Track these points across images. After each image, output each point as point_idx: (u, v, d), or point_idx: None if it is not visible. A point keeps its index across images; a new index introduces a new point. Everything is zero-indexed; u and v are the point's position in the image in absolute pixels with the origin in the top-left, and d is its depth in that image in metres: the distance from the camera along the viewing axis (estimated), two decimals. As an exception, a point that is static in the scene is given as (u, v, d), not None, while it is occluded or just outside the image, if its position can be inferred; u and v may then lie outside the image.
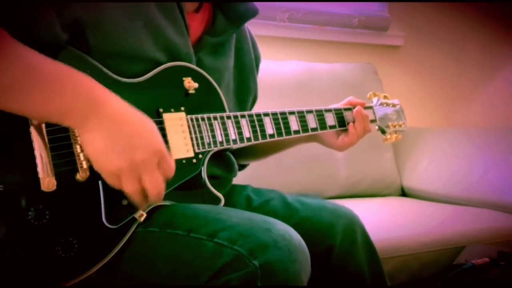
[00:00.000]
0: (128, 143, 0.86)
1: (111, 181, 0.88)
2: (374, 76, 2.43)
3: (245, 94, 1.31)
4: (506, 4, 2.75)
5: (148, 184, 0.88)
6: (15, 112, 0.84)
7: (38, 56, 0.85)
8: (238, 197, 1.27)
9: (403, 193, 2.35)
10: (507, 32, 2.83)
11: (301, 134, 1.25)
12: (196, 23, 1.17)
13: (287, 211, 1.19)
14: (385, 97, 1.44)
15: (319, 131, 1.27)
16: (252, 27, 1.38)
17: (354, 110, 1.31)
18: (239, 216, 0.97)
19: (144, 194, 0.89)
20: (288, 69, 2.23)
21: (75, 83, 0.86)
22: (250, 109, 1.36)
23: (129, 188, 0.88)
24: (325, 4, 2.50)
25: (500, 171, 2.03)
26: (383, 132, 1.42)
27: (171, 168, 0.92)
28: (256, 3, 1.25)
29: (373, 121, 1.38)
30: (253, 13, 1.22)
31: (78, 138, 0.91)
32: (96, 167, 0.88)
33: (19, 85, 0.82)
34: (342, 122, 1.30)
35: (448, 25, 2.81)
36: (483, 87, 2.92)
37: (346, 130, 1.31)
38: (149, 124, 0.91)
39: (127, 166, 0.86)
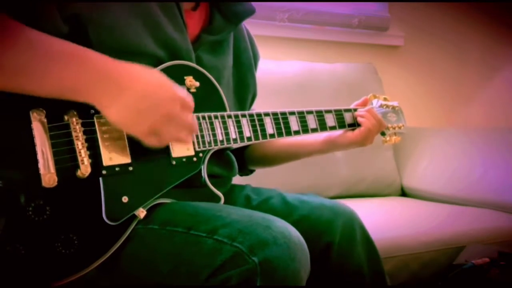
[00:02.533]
0: (150, 103, 0.92)
1: (151, 141, 0.94)
2: (374, 76, 2.43)
3: (244, 92, 1.31)
4: (506, 4, 2.75)
5: (186, 125, 0.97)
6: (30, 93, 0.87)
7: (49, 37, 0.89)
8: (237, 197, 1.27)
9: (403, 193, 2.35)
10: (507, 32, 2.83)
11: (307, 135, 1.26)
12: (194, 21, 1.18)
13: (286, 209, 1.19)
14: (385, 99, 1.45)
15: (319, 132, 1.27)
16: (252, 27, 1.38)
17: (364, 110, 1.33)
18: (238, 213, 0.97)
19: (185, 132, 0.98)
20: (288, 69, 2.23)
21: (87, 58, 0.90)
22: (250, 107, 1.37)
23: (172, 134, 0.96)
24: (325, 4, 2.50)
25: (500, 171, 2.03)
26: (383, 134, 1.42)
27: (192, 104, 0.98)
28: (257, 3, 1.26)
29: None
30: (250, 12, 1.23)
31: (78, 129, 0.93)
32: (132, 134, 0.94)
33: (34, 64, 0.85)
34: (342, 123, 1.31)
35: (448, 25, 2.81)
36: (483, 87, 2.92)
37: (351, 130, 1.32)
38: (160, 77, 0.96)
39: (159, 119, 0.93)
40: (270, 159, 1.41)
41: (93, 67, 0.90)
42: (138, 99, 0.91)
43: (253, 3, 1.25)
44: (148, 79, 0.94)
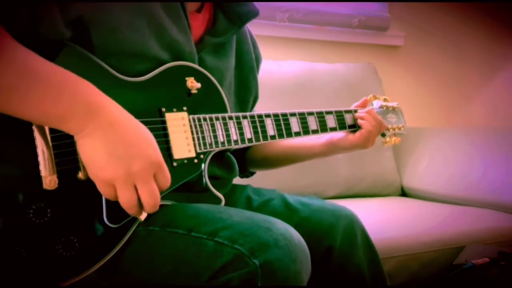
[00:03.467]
0: (125, 152, 0.86)
1: (105, 191, 0.87)
2: (374, 76, 2.44)
3: (246, 94, 1.31)
4: (506, 4, 2.75)
5: (144, 195, 0.88)
6: (12, 114, 0.84)
7: (36, 59, 0.85)
8: (238, 197, 1.27)
9: (403, 193, 2.35)
10: (507, 32, 2.83)
11: (308, 137, 1.26)
12: (198, 23, 1.18)
13: (287, 212, 1.19)
14: (385, 99, 1.45)
15: (320, 133, 1.27)
16: (252, 27, 1.38)
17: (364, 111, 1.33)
18: (239, 215, 0.97)
19: (139, 204, 0.89)
20: (288, 69, 2.23)
21: (72, 88, 0.86)
22: (251, 109, 1.37)
23: (125, 198, 0.87)
24: (325, 4, 2.51)
25: (500, 171, 2.03)
26: (383, 135, 1.43)
27: (167, 180, 0.91)
28: (256, 3, 1.26)
29: None
30: (253, 15, 1.23)
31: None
32: (91, 175, 0.88)
33: (15, 88, 0.81)
34: (342, 124, 1.31)
35: (448, 24, 2.81)
36: (483, 86, 2.92)
37: (352, 132, 1.32)
38: (147, 133, 0.90)
39: (123, 176, 0.85)
40: (271, 162, 1.41)
41: (82, 96, 0.86)
42: (116, 143, 0.86)
43: (253, 3, 1.25)
44: (137, 130, 0.89)
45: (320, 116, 1.27)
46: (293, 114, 1.23)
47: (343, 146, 1.32)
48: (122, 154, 0.85)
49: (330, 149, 1.34)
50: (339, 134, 1.32)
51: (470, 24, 2.85)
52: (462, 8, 2.79)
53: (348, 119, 1.32)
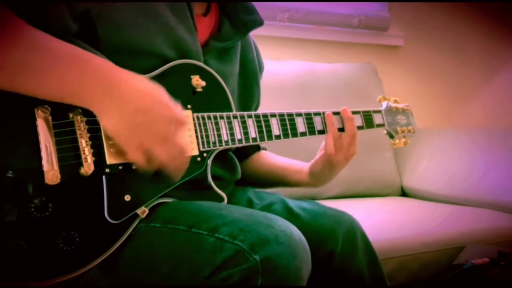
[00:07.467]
0: (147, 117, 0.91)
1: (137, 157, 0.93)
2: (374, 76, 2.44)
3: (249, 101, 1.32)
4: (506, 4, 2.76)
5: (176, 150, 0.95)
6: (30, 93, 0.87)
7: (55, 40, 0.89)
8: (239, 199, 1.27)
9: (403, 193, 2.35)
10: (507, 32, 2.84)
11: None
12: (203, 27, 1.18)
13: (288, 216, 1.19)
14: (395, 101, 1.44)
15: (325, 133, 1.25)
16: (252, 27, 1.38)
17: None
18: (240, 212, 0.98)
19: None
20: (288, 69, 2.23)
21: (89, 64, 0.90)
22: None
23: (160, 158, 0.93)
24: (325, 4, 2.51)
25: (500, 171, 2.03)
26: (392, 136, 1.41)
27: (185, 129, 0.99)
28: (257, 3, 1.26)
29: (381, 125, 1.38)
30: (258, 24, 1.24)
31: (82, 127, 0.93)
32: (121, 144, 0.92)
33: (35, 64, 0.85)
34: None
35: (448, 25, 2.81)
36: (483, 87, 2.92)
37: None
38: (162, 93, 0.95)
39: (152, 138, 0.91)
40: (259, 179, 1.39)
41: (96, 73, 0.89)
42: (136, 112, 0.91)
43: (254, 3, 1.26)
44: (150, 94, 0.93)
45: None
46: (299, 114, 1.22)
47: (319, 168, 1.29)
48: (143, 120, 0.91)
49: (314, 177, 1.31)
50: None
51: (470, 24, 2.85)
52: (462, 8, 2.79)
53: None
